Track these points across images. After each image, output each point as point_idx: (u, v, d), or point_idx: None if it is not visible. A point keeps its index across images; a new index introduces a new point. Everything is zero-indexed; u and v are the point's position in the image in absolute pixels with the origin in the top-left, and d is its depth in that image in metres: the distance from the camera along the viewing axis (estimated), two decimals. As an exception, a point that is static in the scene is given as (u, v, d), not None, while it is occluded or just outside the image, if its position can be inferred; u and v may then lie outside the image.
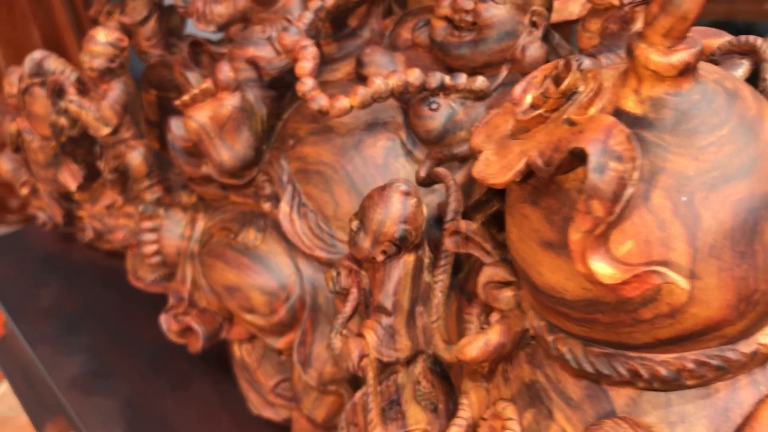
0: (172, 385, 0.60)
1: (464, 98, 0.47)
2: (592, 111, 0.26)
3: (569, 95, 0.27)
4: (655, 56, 0.24)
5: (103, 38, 0.53)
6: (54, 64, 0.57)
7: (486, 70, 0.48)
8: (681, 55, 0.24)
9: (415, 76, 0.46)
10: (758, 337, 0.25)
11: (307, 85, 0.46)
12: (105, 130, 0.55)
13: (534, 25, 0.47)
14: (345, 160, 0.47)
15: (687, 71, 0.24)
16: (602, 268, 0.23)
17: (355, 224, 0.37)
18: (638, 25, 0.41)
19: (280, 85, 0.54)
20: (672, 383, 0.26)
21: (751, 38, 0.32)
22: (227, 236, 0.50)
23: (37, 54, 0.58)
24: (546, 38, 0.49)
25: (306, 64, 0.47)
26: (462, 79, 0.46)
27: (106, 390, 0.59)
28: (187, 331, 0.50)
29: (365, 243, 0.36)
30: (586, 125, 0.24)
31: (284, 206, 0.48)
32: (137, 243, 0.54)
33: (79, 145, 0.62)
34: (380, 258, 0.37)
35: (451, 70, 0.49)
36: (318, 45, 0.57)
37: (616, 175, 0.22)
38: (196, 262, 0.52)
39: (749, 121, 0.24)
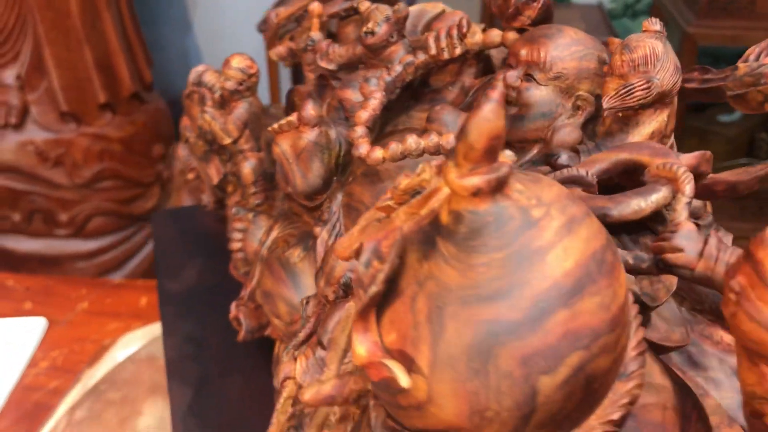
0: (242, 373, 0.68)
1: (492, 168, 0.49)
2: (423, 212, 0.29)
3: (412, 193, 0.30)
4: (452, 176, 0.27)
5: (235, 64, 0.64)
6: (209, 77, 0.69)
7: (522, 146, 0.50)
8: (473, 180, 0.26)
9: (447, 140, 0.49)
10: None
11: (357, 132, 0.52)
12: (226, 140, 0.66)
13: (578, 108, 0.48)
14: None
15: (481, 194, 0.26)
16: (357, 348, 0.27)
17: (320, 263, 0.43)
18: (641, 129, 0.41)
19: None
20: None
21: (675, 167, 0.32)
22: (282, 249, 0.58)
23: (201, 67, 0.71)
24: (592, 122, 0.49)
25: (363, 114, 0.53)
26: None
27: (193, 362, 0.70)
28: (237, 320, 0.59)
29: (321, 281, 0.42)
30: (385, 225, 0.28)
31: (324, 233, 0.54)
32: (229, 240, 0.64)
33: (224, 147, 0.74)
34: (330, 297, 0.42)
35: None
36: (412, 96, 0.63)
37: (372, 272, 0.26)
38: (262, 264, 0.61)
39: (530, 252, 0.26)
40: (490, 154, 0.26)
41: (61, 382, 0.78)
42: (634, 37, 0.40)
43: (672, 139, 0.43)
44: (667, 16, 1.66)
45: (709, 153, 0.36)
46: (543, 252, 0.26)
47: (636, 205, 0.33)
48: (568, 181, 0.35)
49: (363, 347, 0.26)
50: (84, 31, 1.15)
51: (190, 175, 0.84)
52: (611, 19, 1.55)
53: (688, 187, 0.32)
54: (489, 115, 0.25)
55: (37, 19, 1.12)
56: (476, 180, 0.26)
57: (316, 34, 0.65)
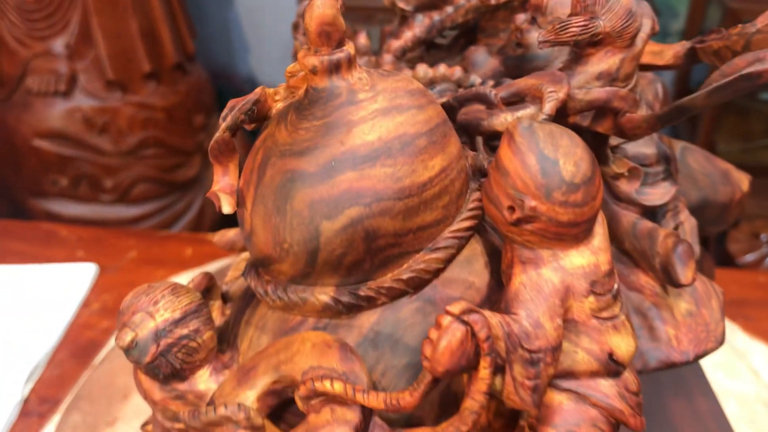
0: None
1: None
2: (300, 92, 0.37)
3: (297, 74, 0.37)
4: (301, 53, 0.34)
5: None
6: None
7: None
8: (310, 59, 0.34)
9: (452, 72, 0.55)
10: (316, 291, 0.34)
11: (384, 59, 0.60)
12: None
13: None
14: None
15: (318, 72, 0.33)
16: (214, 185, 0.35)
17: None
18: (588, 68, 0.44)
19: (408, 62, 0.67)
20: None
21: (543, 87, 0.36)
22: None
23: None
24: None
25: (394, 42, 0.60)
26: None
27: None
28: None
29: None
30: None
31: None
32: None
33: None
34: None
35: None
36: (469, 41, 0.68)
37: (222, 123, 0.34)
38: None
39: (341, 123, 0.33)
40: (326, 38, 0.33)
41: (111, 322, 0.84)
42: (595, -22, 0.43)
43: (632, 83, 0.45)
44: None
45: (624, 91, 0.40)
46: (352, 125, 0.33)
47: (503, 118, 0.38)
48: (473, 97, 0.40)
49: (218, 185, 0.34)
50: (130, 1, 1.23)
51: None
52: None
53: (548, 105, 0.36)
54: (317, 3, 0.31)
55: (85, -11, 1.23)
56: (312, 59, 0.33)
57: (398, -25, 0.72)
